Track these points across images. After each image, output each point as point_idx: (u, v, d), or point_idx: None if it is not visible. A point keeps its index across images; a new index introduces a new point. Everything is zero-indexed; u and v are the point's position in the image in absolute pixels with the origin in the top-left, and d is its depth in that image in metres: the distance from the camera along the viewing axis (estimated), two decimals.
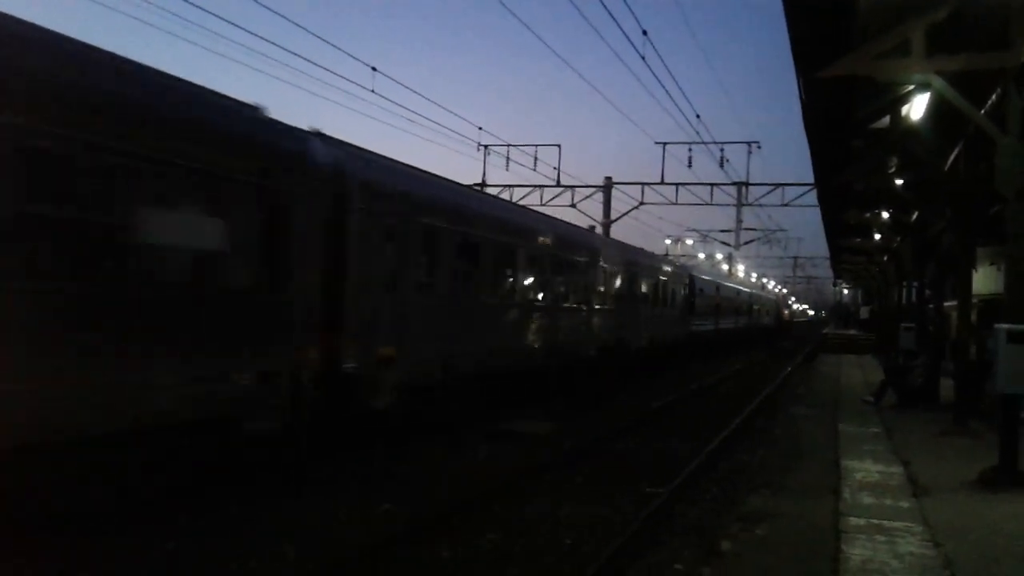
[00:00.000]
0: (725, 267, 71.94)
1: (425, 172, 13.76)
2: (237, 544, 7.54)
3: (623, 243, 27.05)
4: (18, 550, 6.43)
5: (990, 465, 9.62)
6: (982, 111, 10.79)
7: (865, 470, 10.17)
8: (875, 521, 7.64)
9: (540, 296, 17.68)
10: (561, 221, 21.07)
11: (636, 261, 25.60)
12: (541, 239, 17.66)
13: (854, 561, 6.37)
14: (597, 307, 21.17)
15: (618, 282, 23.12)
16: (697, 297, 36.05)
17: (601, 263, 21.51)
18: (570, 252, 19.34)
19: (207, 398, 8.39)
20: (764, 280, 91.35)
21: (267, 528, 8.06)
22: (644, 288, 26.10)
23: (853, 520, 7.66)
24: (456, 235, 13.56)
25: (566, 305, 19.13)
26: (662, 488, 10.04)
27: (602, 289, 21.66)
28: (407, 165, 13.16)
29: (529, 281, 17.13)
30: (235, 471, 9.10)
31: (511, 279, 16.37)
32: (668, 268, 31.34)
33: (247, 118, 9.34)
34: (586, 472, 11.33)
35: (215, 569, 6.96)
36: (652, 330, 26.98)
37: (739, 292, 53.03)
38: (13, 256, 6.53)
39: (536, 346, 17.42)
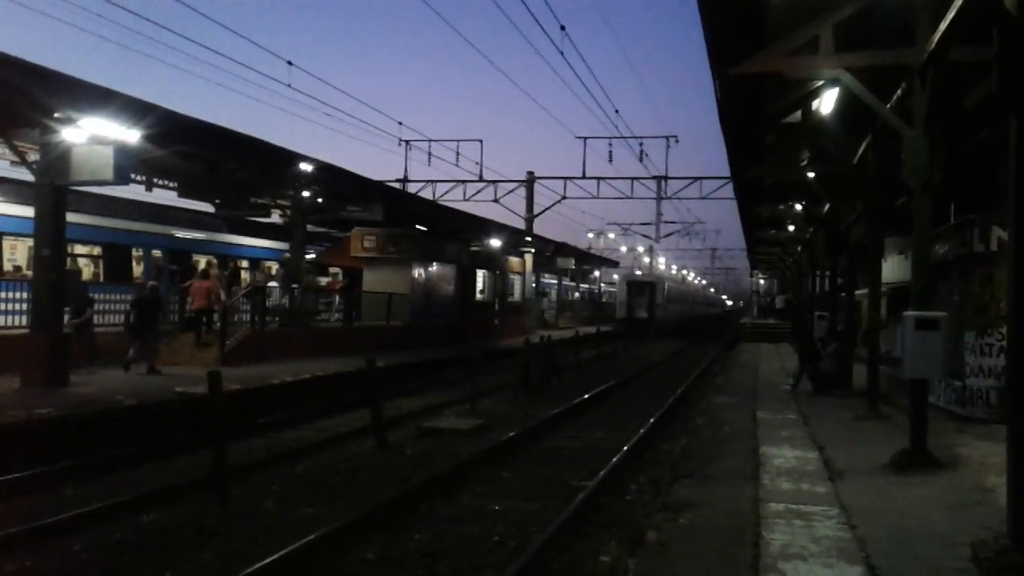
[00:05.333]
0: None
1: None
2: (156, 554, 7.31)
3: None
4: None
5: (901, 448, 9.97)
6: (888, 106, 11.17)
7: (783, 456, 10.41)
8: (793, 506, 7.81)
9: None
10: None
11: None
12: None
13: (774, 546, 6.50)
14: None
15: None
16: None
17: None
18: None
19: None
20: (684, 272, 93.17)
21: (187, 537, 7.83)
22: None
23: (772, 506, 7.82)
24: None
25: None
26: (589, 481, 10.10)
27: None
28: None
29: None
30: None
31: None
32: None
33: None
34: (514, 467, 11.34)
35: None
36: None
37: None
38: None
39: None
